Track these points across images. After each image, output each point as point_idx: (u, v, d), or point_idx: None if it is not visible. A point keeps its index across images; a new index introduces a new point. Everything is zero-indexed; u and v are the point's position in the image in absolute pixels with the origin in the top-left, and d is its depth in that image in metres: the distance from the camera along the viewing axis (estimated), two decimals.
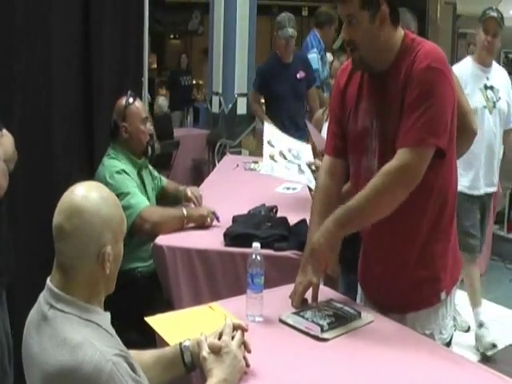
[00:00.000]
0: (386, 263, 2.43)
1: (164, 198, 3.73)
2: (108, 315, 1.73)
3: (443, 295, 2.39)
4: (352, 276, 2.80)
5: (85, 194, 1.65)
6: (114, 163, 3.40)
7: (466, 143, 3.15)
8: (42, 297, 1.69)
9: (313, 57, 6.09)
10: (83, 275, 1.64)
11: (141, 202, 3.28)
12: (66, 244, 1.63)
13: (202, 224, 3.39)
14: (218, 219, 3.42)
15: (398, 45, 2.28)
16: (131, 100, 3.51)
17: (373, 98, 2.34)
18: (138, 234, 3.26)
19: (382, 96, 2.30)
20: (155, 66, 15.25)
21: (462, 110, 3.02)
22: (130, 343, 1.89)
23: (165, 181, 3.89)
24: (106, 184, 3.25)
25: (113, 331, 1.70)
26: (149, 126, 3.58)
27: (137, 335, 2.59)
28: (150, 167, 3.70)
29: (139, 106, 3.55)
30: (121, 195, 3.19)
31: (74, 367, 1.52)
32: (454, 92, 2.25)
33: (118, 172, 3.34)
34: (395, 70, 2.26)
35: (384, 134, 2.28)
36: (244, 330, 1.95)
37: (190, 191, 3.70)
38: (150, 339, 2.32)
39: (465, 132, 3.07)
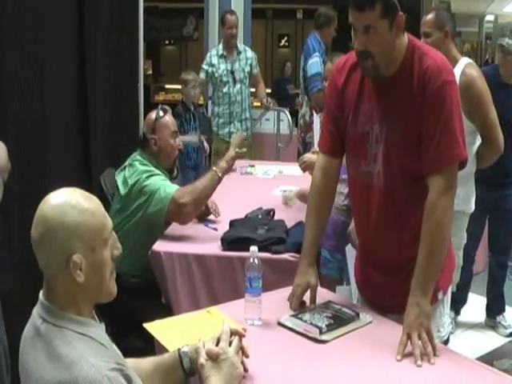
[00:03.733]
0: (383, 266, 2.44)
1: None
2: (102, 326, 1.70)
3: (440, 295, 2.40)
4: None
5: (53, 201, 1.61)
6: (146, 168, 3.40)
7: (491, 156, 3.17)
8: (35, 311, 1.66)
9: (315, 61, 6.08)
10: (58, 284, 1.62)
11: (170, 190, 3.27)
12: (37, 253, 1.61)
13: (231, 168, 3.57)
14: (215, 229, 3.44)
15: (405, 49, 2.27)
16: (161, 113, 3.52)
17: (376, 101, 2.31)
18: (182, 222, 3.33)
19: (389, 101, 2.28)
20: (150, 72, 15.27)
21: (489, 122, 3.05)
22: (129, 350, 1.90)
23: None
24: (140, 183, 3.30)
25: (108, 342, 1.67)
26: (178, 141, 3.60)
27: (137, 341, 2.60)
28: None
29: (169, 119, 3.56)
30: (154, 190, 3.26)
31: (70, 383, 1.51)
32: None
33: (151, 175, 3.35)
34: (402, 75, 2.25)
35: (389, 140, 2.28)
36: (241, 336, 1.94)
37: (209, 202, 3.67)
38: (150, 345, 2.33)
39: (490, 145, 3.10)
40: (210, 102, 6.86)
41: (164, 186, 3.30)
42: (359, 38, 2.21)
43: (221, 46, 6.59)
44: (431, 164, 2.21)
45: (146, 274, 3.33)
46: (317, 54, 6.13)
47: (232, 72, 6.46)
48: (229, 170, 3.46)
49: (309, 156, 3.49)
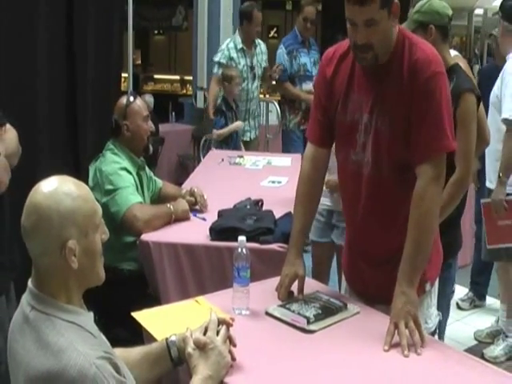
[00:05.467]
0: (370, 257, 2.45)
1: (164, 201, 3.65)
2: (91, 315, 1.71)
3: (428, 286, 2.41)
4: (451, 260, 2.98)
5: (45, 190, 1.62)
6: (117, 159, 3.40)
7: (477, 151, 3.17)
8: (24, 298, 1.67)
9: (278, 53, 6.22)
10: (52, 272, 1.62)
11: (133, 198, 3.27)
12: (29, 242, 1.62)
13: (185, 218, 3.42)
14: (204, 219, 3.44)
15: (395, 37, 2.27)
16: (132, 99, 3.50)
17: (366, 91, 2.32)
18: (128, 231, 3.25)
19: (379, 91, 2.29)
20: (139, 62, 15.22)
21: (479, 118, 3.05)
22: (117, 340, 1.89)
23: (160, 182, 3.85)
24: (106, 177, 3.28)
25: (96, 331, 1.68)
26: (150, 124, 3.58)
27: (124, 331, 2.59)
28: (147, 169, 3.69)
29: (140, 104, 3.53)
30: (117, 190, 3.24)
31: (58, 371, 1.51)
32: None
33: (121, 169, 3.34)
34: (394, 65, 2.25)
35: (378, 129, 2.28)
36: (229, 325, 1.95)
37: (196, 189, 3.68)
38: (138, 335, 2.33)
39: (478, 140, 3.09)
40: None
41: (131, 189, 3.31)
42: (360, 32, 2.19)
43: (238, 38, 6.17)
44: (419, 154, 2.22)
45: (129, 265, 3.36)
46: (281, 46, 6.25)
47: (252, 68, 6.21)
48: (179, 217, 3.41)
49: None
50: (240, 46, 6.12)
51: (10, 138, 2.61)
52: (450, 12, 3.04)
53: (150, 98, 8.01)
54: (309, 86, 6.11)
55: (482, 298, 4.99)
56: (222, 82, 5.88)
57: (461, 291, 4.95)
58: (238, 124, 5.91)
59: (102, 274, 1.73)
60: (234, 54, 6.09)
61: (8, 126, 2.64)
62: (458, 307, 4.93)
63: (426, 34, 2.94)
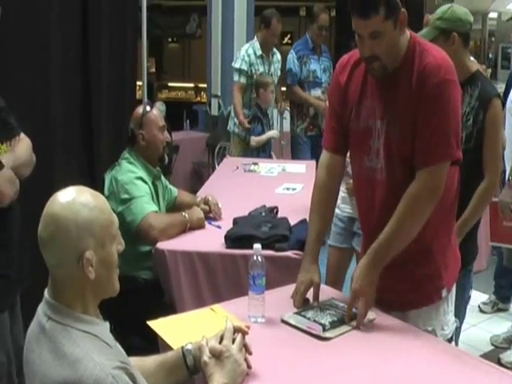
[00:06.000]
0: (386, 264, 2.43)
1: (179, 209, 3.65)
2: (107, 324, 1.72)
3: (444, 292, 2.39)
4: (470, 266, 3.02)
5: (62, 200, 1.63)
6: (133, 169, 3.41)
7: None
8: (40, 308, 1.68)
9: (288, 57, 6.27)
10: (68, 282, 1.63)
11: (148, 207, 3.28)
12: (46, 252, 1.62)
13: (200, 227, 3.42)
14: (219, 227, 3.44)
15: (406, 45, 2.27)
16: (148, 108, 3.52)
17: (378, 97, 2.32)
18: (144, 240, 3.26)
19: (390, 97, 2.28)
20: (154, 70, 15.26)
21: None
22: (133, 348, 1.90)
23: (176, 191, 3.87)
24: (121, 186, 3.30)
25: (112, 341, 1.68)
26: (166, 134, 3.59)
27: (140, 340, 2.60)
28: (163, 178, 3.70)
29: (157, 114, 3.55)
30: (133, 199, 3.25)
31: (75, 382, 1.51)
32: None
33: (137, 178, 3.36)
34: (404, 71, 2.25)
35: (389, 135, 2.28)
36: (245, 333, 1.95)
37: (210, 197, 3.69)
38: (153, 343, 2.33)
39: None
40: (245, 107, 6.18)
41: (147, 198, 3.32)
42: (365, 44, 2.21)
43: (257, 44, 6.12)
44: (420, 158, 2.22)
45: (145, 274, 3.36)
46: (292, 51, 6.30)
47: (270, 75, 6.15)
48: (194, 225, 3.42)
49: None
50: (259, 52, 6.09)
51: (21, 148, 2.60)
52: (472, 18, 3.02)
53: (161, 106, 8.03)
54: (317, 92, 6.18)
55: (506, 300, 4.98)
56: (254, 89, 5.90)
57: (477, 296, 4.92)
58: (274, 132, 6.01)
59: (117, 286, 1.73)
60: (254, 60, 6.05)
61: (22, 135, 2.64)
62: (481, 311, 4.93)
63: (448, 41, 2.91)
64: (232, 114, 6.21)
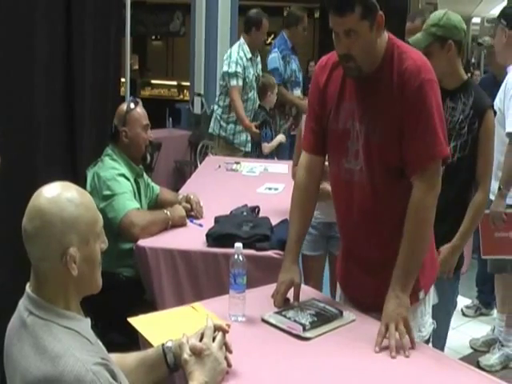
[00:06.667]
0: (366, 264, 2.45)
1: (160, 207, 3.65)
2: (88, 321, 1.72)
3: (421, 294, 2.42)
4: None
5: (48, 195, 1.63)
6: (115, 165, 3.41)
7: None
8: (22, 303, 1.68)
9: (273, 56, 6.23)
10: (51, 278, 1.63)
11: (130, 204, 3.27)
12: (29, 246, 1.62)
13: (181, 225, 3.43)
14: (201, 225, 3.44)
15: (384, 47, 2.28)
16: (132, 105, 3.51)
17: (357, 100, 2.33)
18: (125, 237, 3.25)
19: (370, 101, 2.30)
20: (137, 67, 15.23)
21: None
22: (113, 344, 1.90)
23: (158, 188, 3.86)
24: (104, 183, 3.28)
25: (93, 338, 1.69)
26: (149, 133, 3.57)
27: (120, 336, 2.60)
28: (145, 175, 3.69)
29: (141, 112, 3.53)
30: (115, 196, 3.25)
31: (55, 377, 1.52)
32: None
33: (119, 175, 3.35)
34: (383, 74, 2.26)
35: (369, 138, 2.29)
36: (225, 331, 1.96)
37: (192, 195, 3.69)
38: (134, 340, 2.33)
39: None
40: (216, 107, 6.27)
41: (129, 195, 3.32)
42: (340, 42, 2.23)
43: (246, 46, 6.01)
44: (414, 164, 2.24)
45: (126, 271, 3.36)
46: (275, 50, 6.28)
47: (257, 76, 6.09)
48: (176, 223, 3.43)
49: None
50: (249, 55, 6.01)
51: None
52: (465, 26, 3.03)
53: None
54: (298, 91, 6.19)
55: (488, 306, 5.01)
56: (261, 91, 5.91)
57: (458, 299, 4.95)
58: (282, 136, 5.97)
59: (100, 283, 1.74)
60: (245, 63, 5.97)
61: None
62: (464, 314, 4.99)
63: (444, 48, 2.92)
64: (215, 115, 6.16)
